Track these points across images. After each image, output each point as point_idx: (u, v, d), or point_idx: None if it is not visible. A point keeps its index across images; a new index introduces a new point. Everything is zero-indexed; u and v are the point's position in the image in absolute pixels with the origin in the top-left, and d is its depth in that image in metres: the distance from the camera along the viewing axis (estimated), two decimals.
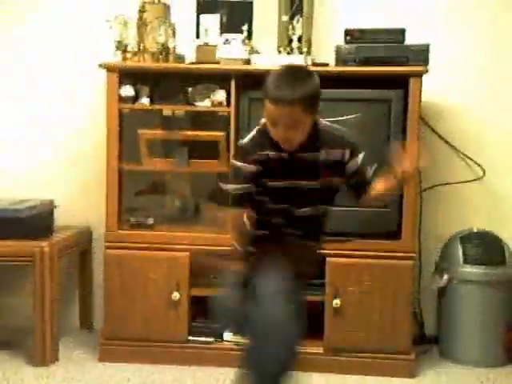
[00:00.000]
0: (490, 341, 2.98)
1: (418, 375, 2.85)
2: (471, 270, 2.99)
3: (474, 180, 3.18)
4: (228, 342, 2.92)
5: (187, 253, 2.89)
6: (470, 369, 2.93)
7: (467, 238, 3.05)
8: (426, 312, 3.23)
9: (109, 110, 2.87)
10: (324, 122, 2.03)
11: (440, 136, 3.18)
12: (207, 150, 2.90)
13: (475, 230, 3.08)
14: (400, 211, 2.82)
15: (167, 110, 2.88)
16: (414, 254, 2.86)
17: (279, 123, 1.90)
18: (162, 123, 2.98)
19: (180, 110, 2.89)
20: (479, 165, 3.17)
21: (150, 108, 2.93)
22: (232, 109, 2.85)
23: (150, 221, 2.99)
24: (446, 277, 3.03)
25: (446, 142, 3.19)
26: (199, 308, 3.02)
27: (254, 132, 2.03)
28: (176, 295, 2.89)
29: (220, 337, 2.94)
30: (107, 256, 2.93)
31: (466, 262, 3.01)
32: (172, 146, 3.00)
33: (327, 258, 2.82)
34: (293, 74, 1.95)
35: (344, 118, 2.68)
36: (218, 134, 2.88)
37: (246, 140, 2.02)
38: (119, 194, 2.94)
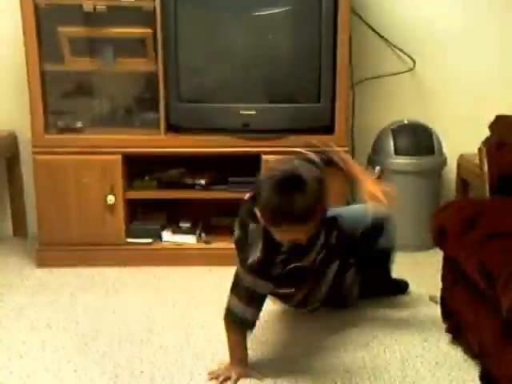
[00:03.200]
0: (419, 227, 3.11)
1: None
2: (402, 161, 3.07)
3: (405, 72, 3.20)
4: (167, 242, 2.96)
5: (119, 156, 2.84)
6: (400, 253, 3.07)
7: (398, 130, 3.10)
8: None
9: (23, 5, 2.69)
10: None
11: (371, 28, 3.14)
12: (134, 48, 2.79)
13: (406, 122, 3.13)
14: (333, 105, 2.82)
15: (88, 5, 2.71)
16: (347, 148, 2.90)
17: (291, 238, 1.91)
18: (83, 20, 2.81)
19: (101, 5, 2.72)
20: (409, 56, 3.18)
21: (68, 2, 2.75)
22: (157, 2, 2.71)
23: (79, 124, 2.90)
24: (377, 169, 3.10)
25: (377, 34, 3.16)
26: (135, 210, 3.02)
27: (259, 246, 1.94)
28: (111, 199, 2.86)
29: (159, 237, 2.96)
30: (36, 162, 2.85)
31: (396, 153, 3.08)
32: (96, 44, 2.85)
33: (262, 156, 2.83)
34: (289, 189, 1.83)
35: (274, 11, 2.60)
36: (145, 31, 2.75)
37: (252, 260, 1.95)
38: (43, 96, 2.81)
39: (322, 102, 2.81)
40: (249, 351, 2.08)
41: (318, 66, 2.77)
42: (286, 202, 1.82)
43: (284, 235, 1.91)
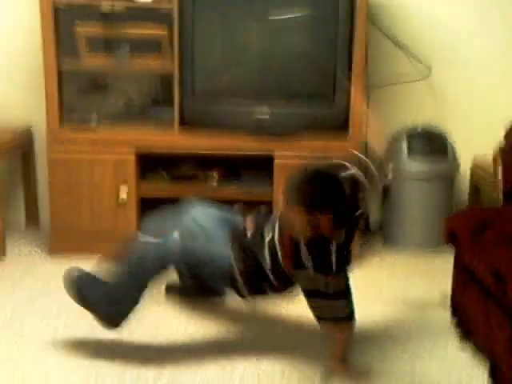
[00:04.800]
0: (430, 230, 3.11)
1: (363, 261, 2.95)
2: (415, 165, 3.06)
3: (421, 80, 3.18)
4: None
5: (133, 152, 2.85)
6: (412, 255, 3.09)
7: (412, 134, 3.10)
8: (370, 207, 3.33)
9: (42, 4, 2.70)
10: None
11: (387, 35, 3.13)
12: (150, 47, 2.79)
13: (420, 127, 3.12)
14: (347, 110, 2.81)
15: (106, 5, 2.72)
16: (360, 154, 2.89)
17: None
18: (101, 20, 2.82)
19: (120, 5, 2.73)
20: (425, 63, 3.16)
21: (87, 3, 2.77)
22: (175, 4, 2.71)
23: (94, 120, 2.91)
24: (391, 172, 3.10)
25: (393, 42, 3.14)
26: (148, 208, 3.03)
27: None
28: (123, 195, 2.88)
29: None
30: (50, 157, 2.87)
31: (410, 157, 3.07)
32: (112, 43, 2.86)
33: (275, 160, 2.83)
34: (321, 179, 1.92)
35: (291, 16, 2.60)
36: (162, 31, 2.75)
37: None
38: (59, 93, 2.83)
39: (337, 106, 2.80)
40: None
41: (334, 70, 2.76)
42: (312, 186, 1.90)
43: (301, 219, 1.90)
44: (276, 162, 2.84)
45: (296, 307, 2.22)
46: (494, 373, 1.97)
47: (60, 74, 2.82)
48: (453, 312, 2.36)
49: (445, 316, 2.39)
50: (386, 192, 3.18)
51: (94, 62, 2.84)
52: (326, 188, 1.90)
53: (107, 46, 2.88)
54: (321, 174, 1.94)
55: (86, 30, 2.81)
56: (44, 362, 2.09)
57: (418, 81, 3.17)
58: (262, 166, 2.91)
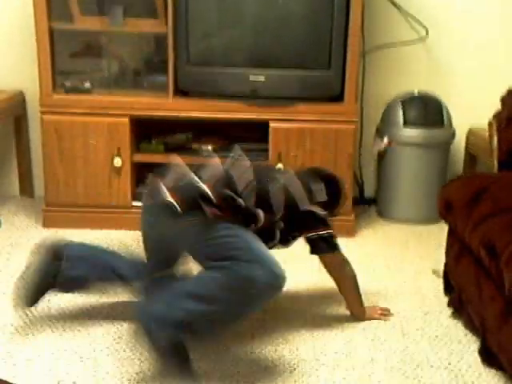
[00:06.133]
0: (425, 200, 3.11)
1: (357, 234, 2.99)
2: (410, 133, 3.04)
3: (417, 40, 3.15)
4: None
5: (127, 118, 2.83)
6: (406, 226, 3.09)
7: (408, 101, 3.07)
8: (365, 175, 3.32)
9: None
10: None
11: None
12: (144, 8, 2.75)
13: (416, 93, 3.10)
14: (343, 75, 2.79)
15: None
16: (356, 119, 2.87)
17: None
18: None
19: None
20: (422, 24, 3.12)
21: None
22: None
23: (87, 85, 2.88)
24: (386, 139, 3.08)
25: (390, 1, 3.10)
26: (142, 174, 3.02)
27: None
28: (118, 161, 2.86)
29: None
30: (44, 122, 2.84)
31: (405, 124, 3.06)
32: (106, 3, 2.82)
33: (270, 124, 2.82)
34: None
35: None
36: None
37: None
38: (52, 56, 2.79)
39: (333, 69, 2.78)
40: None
41: (330, 32, 2.73)
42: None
43: None
44: (271, 125, 2.82)
45: None
46: (485, 349, 1.97)
47: (52, 36, 2.77)
48: (445, 284, 2.35)
49: (438, 288, 2.38)
50: (381, 160, 3.17)
51: (86, 23, 2.80)
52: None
53: (100, 6, 2.83)
54: None
55: None
56: (37, 335, 2.08)
57: (415, 42, 3.13)
58: (257, 135, 2.89)
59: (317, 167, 2.35)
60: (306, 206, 1.99)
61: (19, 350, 1.98)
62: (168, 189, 1.86)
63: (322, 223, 2.02)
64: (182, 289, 1.82)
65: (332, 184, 2.15)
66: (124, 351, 1.99)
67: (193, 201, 1.82)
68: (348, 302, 2.20)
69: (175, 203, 1.82)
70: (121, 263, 2.11)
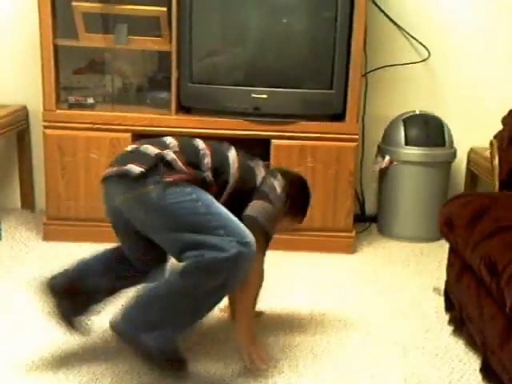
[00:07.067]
0: (426, 218, 3.11)
1: (358, 251, 2.98)
2: (412, 151, 3.06)
3: (419, 62, 3.17)
4: None
5: (129, 133, 2.84)
6: (407, 244, 3.09)
7: (409, 121, 3.09)
8: (367, 193, 3.33)
9: None
10: None
11: (387, 16, 3.12)
12: (148, 26, 2.77)
13: (418, 112, 3.11)
14: (345, 93, 2.81)
15: None
16: (357, 136, 2.88)
17: None
18: None
19: None
20: (425, 46, 3.15)
21: None
22: None
23: (90, 100, 2.90)
24: (387, 158, 3.09)
25: (393, 23, 3.13)
26: None
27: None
28: None
29: None
30: (46, 136, 2.85)
31: (407, 143, 3.07)
32: (110, 21, 2.84)
33: (272, 140, 2.83)
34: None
35: None
36: (160, 10, 2.74)
37: None
38: (56, 71, 2.81)
39: (335, 88, 2.79)
40: None
41: (332, 52, 2.75)
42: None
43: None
44: (273, 143, 2.83)
45: None
46: (486, 367, 1.95)
47: (56, 51, 2.79)
48: (446, 302, 2.34)
49: (439, 306, 2.38)
50: (382, 178, 3.17)
51: (91, 40, 2.82)
52: None
53: (105, 23, 2.85)
54: None
55: (83, 5, 2.78)
56: (38, 347, 2.08)
57: (417, 63, 3.16)
58: (258, 152, 2.89)
59: (288, 169, 2.24)
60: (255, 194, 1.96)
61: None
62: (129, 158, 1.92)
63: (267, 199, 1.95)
64: (155, 289, 1.83)
65: (295, 184, 2.10)
66: (123, 365, 1.98)
67: (154, 166, 1.84)
68: (239, 319, 1.98)
69: (135, 169, 1.85)
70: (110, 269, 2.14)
